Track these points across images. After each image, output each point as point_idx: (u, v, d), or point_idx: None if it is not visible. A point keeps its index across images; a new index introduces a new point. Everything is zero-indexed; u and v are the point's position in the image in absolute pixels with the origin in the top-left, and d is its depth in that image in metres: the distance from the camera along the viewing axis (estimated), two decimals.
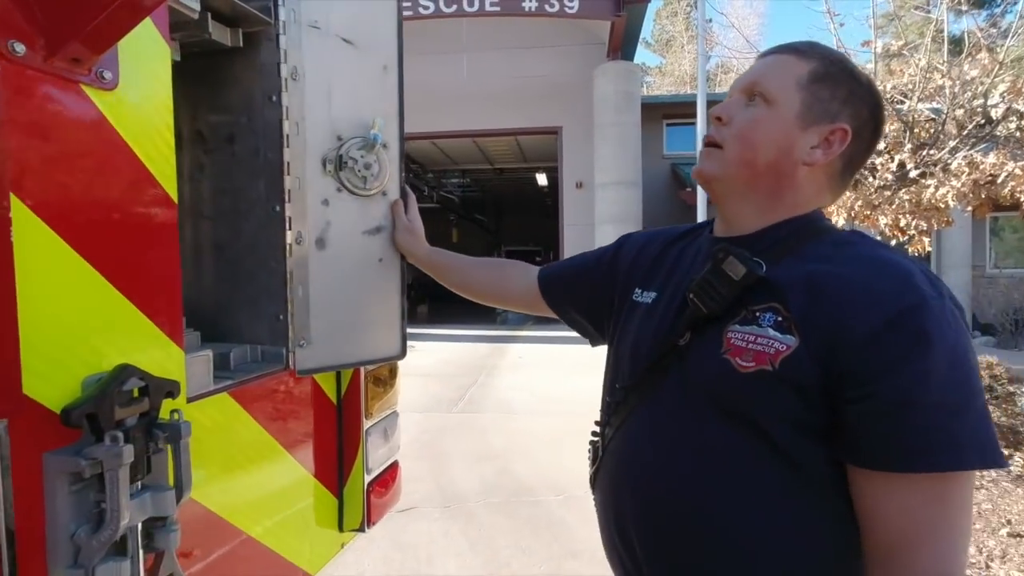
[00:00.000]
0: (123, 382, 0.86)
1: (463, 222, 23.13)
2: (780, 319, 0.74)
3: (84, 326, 0.86)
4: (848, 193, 4.08)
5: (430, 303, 17.44)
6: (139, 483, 0.89)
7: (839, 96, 0.82)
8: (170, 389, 0.94)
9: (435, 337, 11.70)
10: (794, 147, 0.82)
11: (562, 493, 4.11)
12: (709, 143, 0.88)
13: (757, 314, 0.76)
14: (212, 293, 1.41)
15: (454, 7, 11.12)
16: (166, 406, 0.94)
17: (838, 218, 4.33)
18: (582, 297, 1.15)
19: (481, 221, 24.13)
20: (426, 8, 11.14)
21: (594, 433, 0.98)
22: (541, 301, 1.21)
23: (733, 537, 0.76)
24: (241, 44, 1.28)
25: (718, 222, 0.94)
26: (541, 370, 8.50)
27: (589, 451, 0.99)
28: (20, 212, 0.78)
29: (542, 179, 17.05)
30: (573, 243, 12.45)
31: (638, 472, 0.86)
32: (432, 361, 9.08)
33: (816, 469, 0.74)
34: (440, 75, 12.56)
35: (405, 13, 9.40)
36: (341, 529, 1.55)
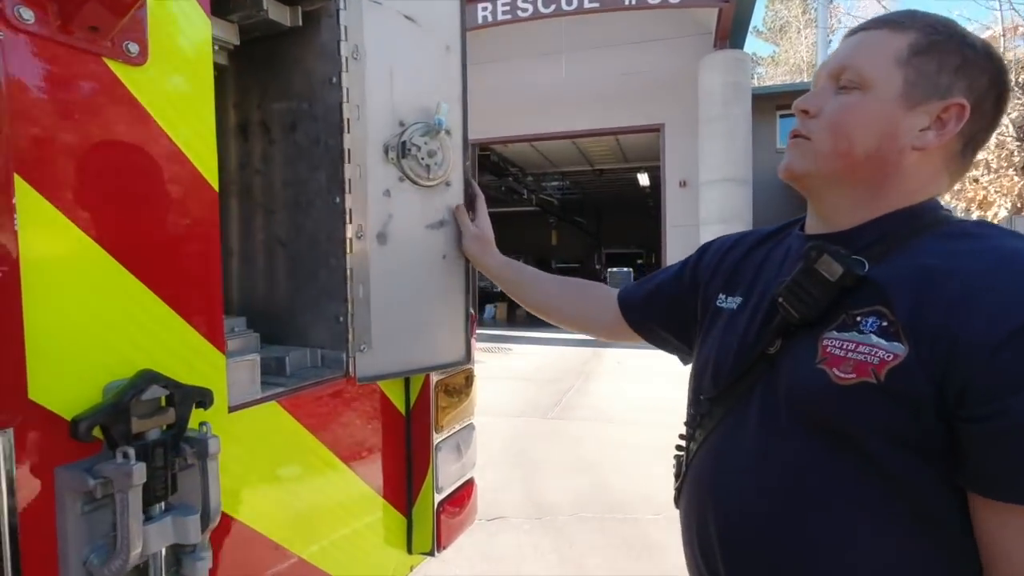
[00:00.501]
0: (142, 390, 0.76)
1: (562, 225, 22.96)
2: (885, 324, 0.66)
3: (105, 325, 0.78)
4: (1017, 178, 3.44)
5: None
6: (162, 504, 0.79)
7: (949, 67, 0.73)
8: (201, 398, 0.84)
9: (533, 340, 11.61)
10: (898, 132, 0.74)
11: (660, 512, 3.80)
12: (796, 136, 0.81)
13: (858, 319, 0.69)
14: (275, 292, 1.33)
15: (552, 7, 10.98)
16: (197, 417, 0.85)
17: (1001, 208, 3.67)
18: (666, 311, 1.07)
19: (580, 223, 23.83)
20: (524, 10, 11.09)
21: (678, 447, 0.93)
22: (623, 324, 1.13)
23: (825, 568, 0.70)
24: (300, 23, 1.19)
25: (810, 219, 0.85)
26: (640, 377, 8.12)
27: (673, 465, 0.93)
28: (28, 198, 0.70)
29: (643, 179, 16.48)
30: (676, 244, 11.86)
31: (722, 489, 0.80)
32: (528, 365, 8.97)
33: (925, 495, 0.66)
34: (538, 76, 12.48)
35: (503, 16, 9.40)
36: (410, 551, 1.42)
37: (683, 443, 0.91)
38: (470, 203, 1.35)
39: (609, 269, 19.22)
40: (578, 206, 23.01)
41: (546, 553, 3.29)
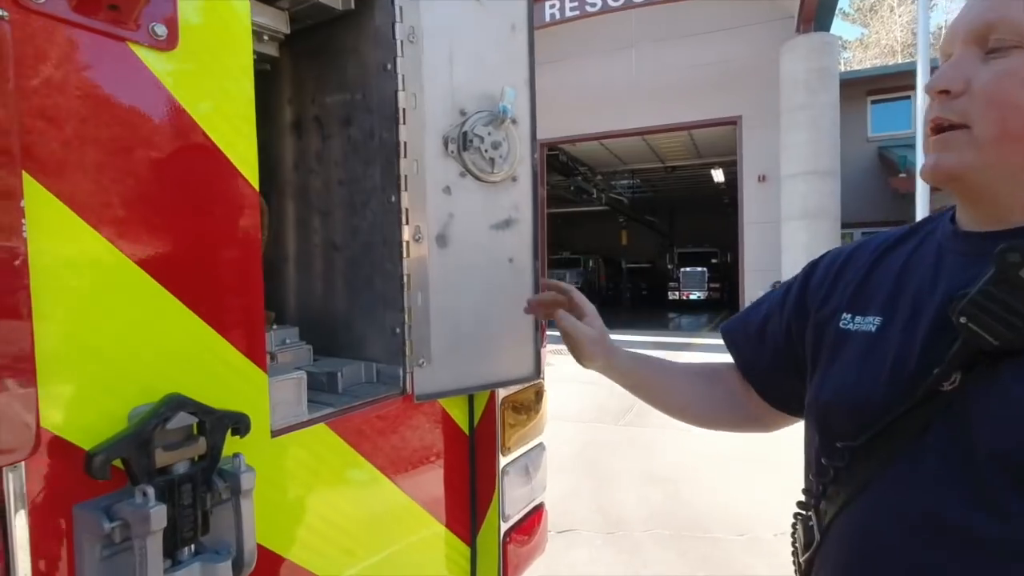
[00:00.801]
0: (167, 418, 0.67)
1: (633, 224, 22.42)
2: None
3: (129, 342, 0.69)
4: None
5: (599, 306, 17.05)
6: (191, 547, 0.70)
7: None
8: (236, 424, 0.74)
9: None
10: None
11: (745, 533, 3.51)
12: (940, 126, 0.64)
13: None
14: (330, 300, 1.24)
15: (621, 0, 10.67)
16: (233, 446, 0.75)
17: None
18: (784, 350, 0.83)
19: (652, 222, 23.17)
20: (593, 5, 10.84)
21: (801, 505, 0.75)
22: (752, 394, 0.90)
23: None
24: (352, 6, 1.09)
25: (966, 215, 0.68)
26: None
27: (794, 529, 0.75)
28: (39, 199, 0.62)
29: (718, 175, 15.78)
30: (755, 242, 11.23)
31: (897, 569, 0.61)
32: None
33: None
34: (608, 73, 12.18)
35: (571, 13, 9.20)
36: None
37: (805, 499, 0.73)
38: (571, 303, 1.01)
39: (682, 269, 18.52)
40: (649, 205, 22.39)
41: (619, 573, 3.10)
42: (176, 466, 0.68)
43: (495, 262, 1.17)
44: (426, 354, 1.10)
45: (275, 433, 0.86)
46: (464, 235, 1.13)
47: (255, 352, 0.82)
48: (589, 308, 1.00)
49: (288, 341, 1.11)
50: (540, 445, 1.43)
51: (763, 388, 0.86)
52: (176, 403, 0.68)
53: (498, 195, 1.17)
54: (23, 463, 0.61)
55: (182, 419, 0.68)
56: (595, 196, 17.70)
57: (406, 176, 1.08)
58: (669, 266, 20.06)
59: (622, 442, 5.27)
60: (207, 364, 0.76)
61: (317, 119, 1.21)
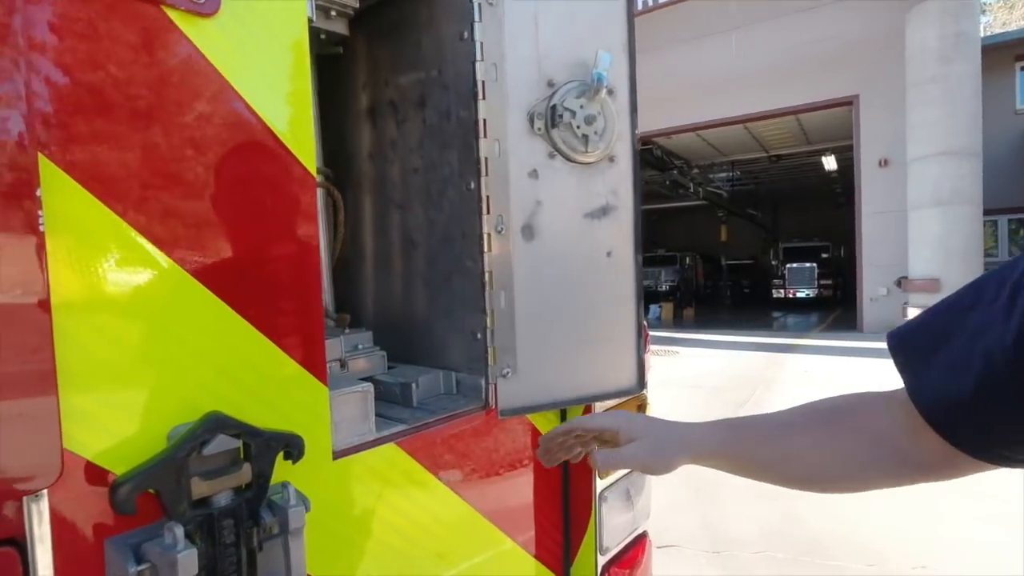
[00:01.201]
0: (204, 441, 0.57)
1: (733, 218, 21.22)
2: None
3: (167, 351, 0.60)
4: None
5: (697, 306, 16.32)
6: None
7: None
8: (287, 447, 0.63)
9: (702, 343, 10.73)
10: None
11: (875, 564, 3.09)
12: None
13: None
14: (406, 302, 1.13)
15: None
16: (286, 473, 0.64)
17: None
18: (1002, 381, 0.54)
19: (753, 216, 21.81)
20: None
21: None
22: (931, 451, 0.62)
23: None
24: None
25: None
26: (833, 388, 7.00)
27: None
28: (58, 186, 0.53)
29: (830, 162, 14.52)
30: (876, 234, 10.19)
31: None
32: (699, 371, 8.25)
33: None
34: (705, 59, 11.55)
35: (664, 0, 8.77)
36: None
37: None
38: (602, 434, 0.80)
39: (788, 265, 17.26)
40: (750, 197, 21.11)
41: None
42: (216, 497, 0.58)
43: (590, 256, 1.00)
44: (511, 363, 0.96)
45: (337, 454, 0.75)
46: (554, 225, 0.98)
47: (314, 362, 0.71)
48: (622, 421, 0.78)
49: (361, 347, 1.00)
50: None
51: (954, 429, 0.60)
52: (214, 424, 0.58)
53: (593, 178, 1.00)
54: (46, 491, 0.53)
55: (222, 443, 0.58)
56: (692, 190, 16.90)
57: (486, 159, 0.94)
58: (773, 262, 18.77)
59: None
60: (258, 376, 0.66)
61: (391, 103, 1.11)
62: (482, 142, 0.93)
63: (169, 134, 0.60)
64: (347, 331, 1.04)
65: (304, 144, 0.71)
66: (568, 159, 0.98)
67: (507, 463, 1.00)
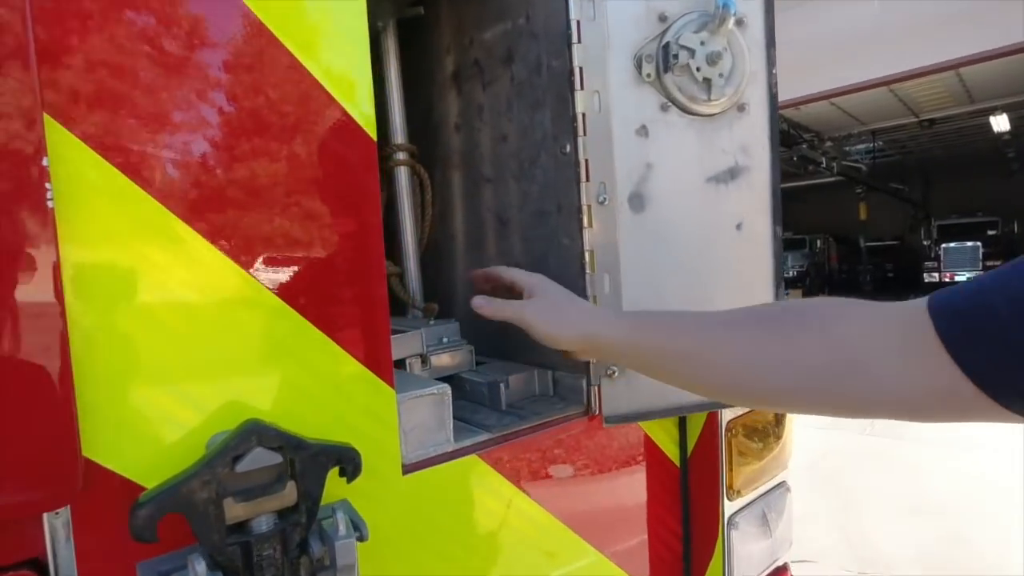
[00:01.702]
0: (239, 455, 0.47)
1: (873, 194, 19.04)
2: None
3: (203, 345, 0.51)
4: None
5: (830, 292, 14.84)
6: None
7: None
8: (340, 461, 0.53)
9: None
10: None
11: None
12: None
13: None
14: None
15: None
16: (345, 490, 0.54)
17: None
18: None
19: (898, 191, 19.41)
20: None
21: None
22: (939, 380, 0.44)
23: None
24: None
25: None
26: None
27: None
28: (68, 151, 0.46)
29: (1000, 123, 12.51)
30: None
31: None
32: None
33: None
34: (838, 16, 10.36)
35: None
36: None
37: None
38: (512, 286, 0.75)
39: (944, 245, 15.16)
40: (895, 170, 18.80)
41: None
42: (255, 522, 0.49)
43: (714, 230, 0.81)
44: None
45: (408, 468, 0.64)
46: (668, 193, 0.80)
47: (378, 359, 0.60)
48: (536, 281, 0.72)
49: (446, 340, 0.89)
50: (782, 485, 1.03)
51: (974, 354, 0.42)
52: (250, 434, 0.48)
53: (717, 133, 0.81)
54: (67, 508, 0.46)
55: (259, 457, 0.48)
56: (824, 166, 15.35)
57: (584, 117, 0.78)
58: (925, 242, 16.57)
59: (867, 455, 4.35)
60: (310, 376, 0.56)
61: (477, 63, 0.98)
62: (578, 96, 0.77)
63: (203, 92, 0.51)
64: (432, 322, 0.93)
65: (358, 100, 0.59)
66: (686, 111, 0.79)
67: (614, 480, 0.84)
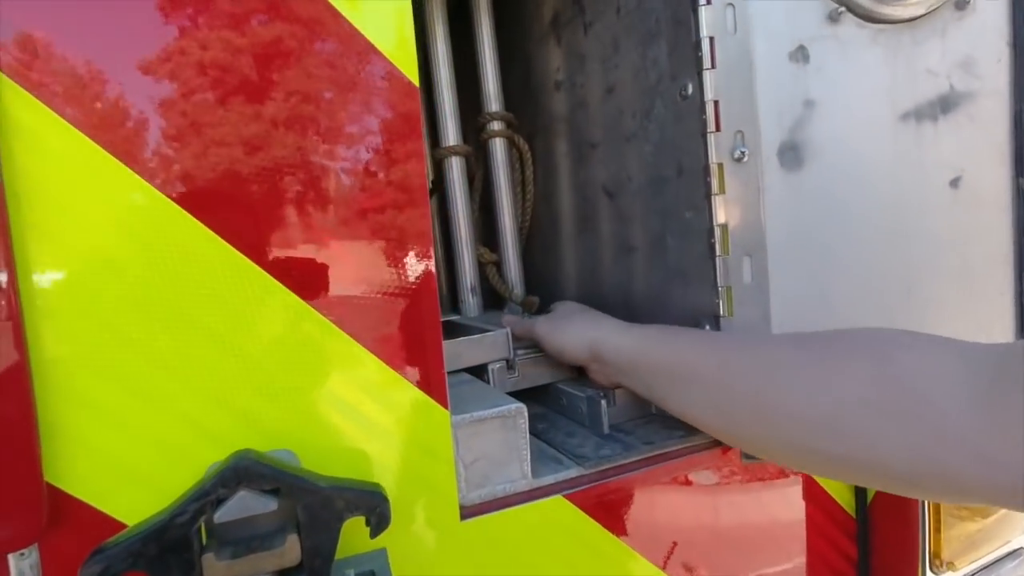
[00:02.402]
0: (218, 499, 0.36)
1: None
2: None
3: (199, 353, 0.41)
4: None
5: None
6: None
7: None
8: (362, 508, 0.40)
9: None
10: None
11: None
12: None
13: None
14: (601, 278, 0.82)
15: None
16: (384, 538, 0.41)
17: None
18: None
19: None
20: None
21: None
22: None
23: None
24: None
25: None
26: None
27: None
28: (29, 115, 0.37)
29: None
30: None
31: None
32: None
33: None
34: None
35: None
36: None
37: None
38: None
39: None
40: None
41: None
42: None
43: (915, 189, 0.56)
44: None
45: (468, 511, 0.49)
46: (840, 140, 0.56)
47: (427, 372, 0.46)
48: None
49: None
50: (1018, 554, 0.73)
51: None
52: (236, 471, 0.36)
53: (921, 46, 0.55)
54: (35, 546, 0.38)
55: (246, 503, 0.36)
56: None
57: (710, 41, 0.57)
58: None
59: None
60: (333, 391, 0.44)
61: (577, 2, 0.80)
62: (703, 12, 0.57)
63: (187, 33, 0.40)
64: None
65: (395, 39, 0.45)
66: (868, 17, 0.55)
67: (759, 536, 0.63)
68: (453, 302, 0.97)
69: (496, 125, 0.91)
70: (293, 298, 0.43)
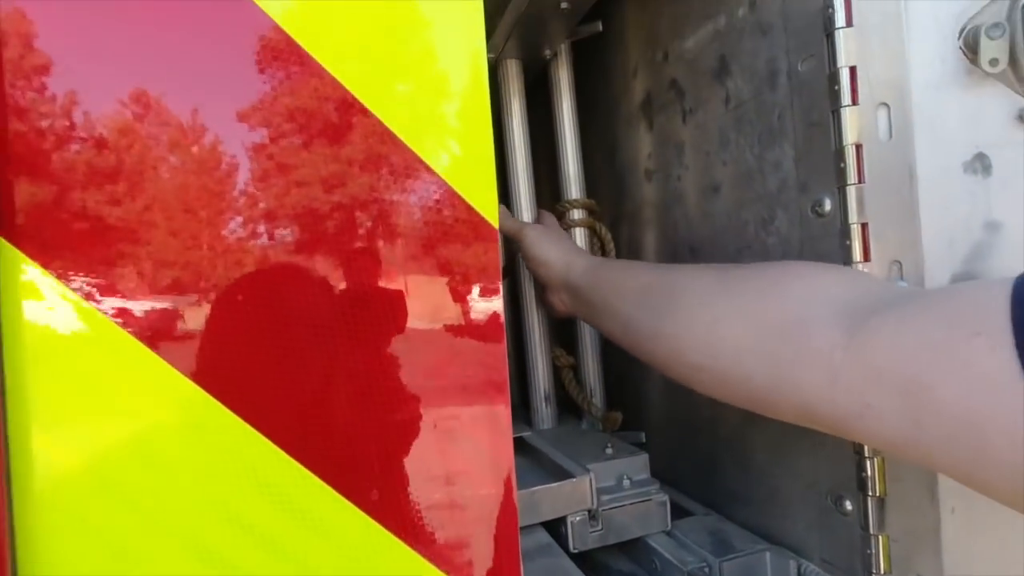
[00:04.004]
0: None
1: None
2: None
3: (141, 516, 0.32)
4: None
5: None
6: None
7: None
8: None
9: None
10: None
11: None
12: None
13: None
14: (706, 405, 0.70)
15: None
16: None
17: None
18: None
19: None
20: None
21: None
22: None
23: None
24: None
25: None
26: None
27: None
28: None
29: None
30: None
31: None
32: None
33: None
34: None
35: None
36: None
37: None
38: None
39: None
40: None
41: None
42: None
43: None
44: (931, 570, 0.44)
45: None
46: None
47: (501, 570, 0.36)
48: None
49: (629, 482, 0.61)
50: None
51: None
52: None
53: None
54: None
55: None
56: None
57: (857, 149, 0.46)
58: None
59: None
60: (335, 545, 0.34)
61: (674, 84, 0.70)
62: (848, 114, 0.46)
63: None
64: (608, 448, 0.66)
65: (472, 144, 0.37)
66: None
67: None
68: (523, 407, 0.87)
69: (577, 214, 0.82)
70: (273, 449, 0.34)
